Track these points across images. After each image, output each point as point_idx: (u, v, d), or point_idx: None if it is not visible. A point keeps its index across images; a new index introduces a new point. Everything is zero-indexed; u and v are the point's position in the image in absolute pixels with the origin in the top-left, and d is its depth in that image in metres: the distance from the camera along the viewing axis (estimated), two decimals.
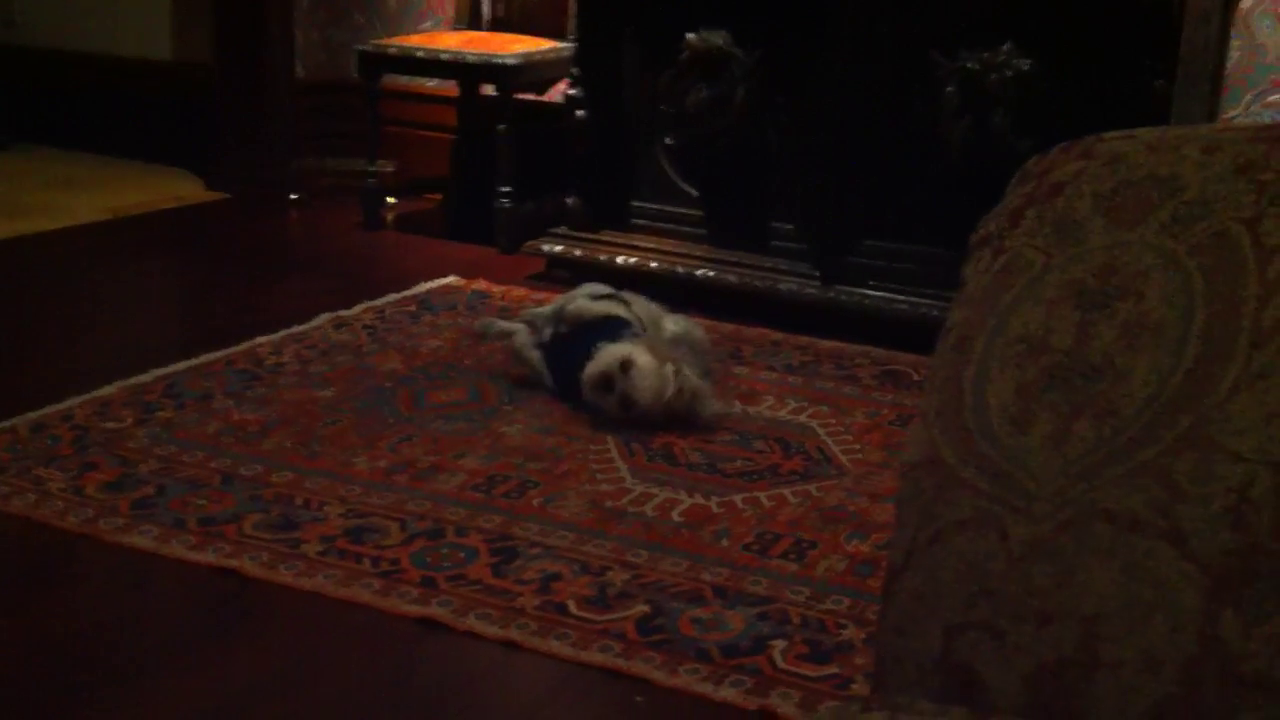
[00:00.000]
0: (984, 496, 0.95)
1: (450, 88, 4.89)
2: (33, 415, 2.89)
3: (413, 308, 3.73)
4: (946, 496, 0.97)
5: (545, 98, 4.68)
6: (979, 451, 0.97)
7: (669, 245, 3.94)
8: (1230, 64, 3.72)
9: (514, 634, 2.17)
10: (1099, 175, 1.03)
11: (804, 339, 3.58)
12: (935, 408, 1.01)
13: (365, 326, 3.56)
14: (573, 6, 4.43)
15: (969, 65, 3.48)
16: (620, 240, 4.00)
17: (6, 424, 2.84)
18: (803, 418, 3.08)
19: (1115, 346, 0.95)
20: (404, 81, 4.93)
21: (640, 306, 3.19)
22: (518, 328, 3.23)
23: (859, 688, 2.05)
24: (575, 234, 4.05)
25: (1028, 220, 1.04)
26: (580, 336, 3.04)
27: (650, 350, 2.94)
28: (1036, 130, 3.42)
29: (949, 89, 3.51)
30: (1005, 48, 3.45)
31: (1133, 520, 0.91)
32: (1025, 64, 3.44)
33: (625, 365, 2.90)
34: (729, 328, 3.65)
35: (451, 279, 4.00)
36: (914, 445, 1.02)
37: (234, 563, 2.35)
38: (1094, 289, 0.98)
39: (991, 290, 1.02)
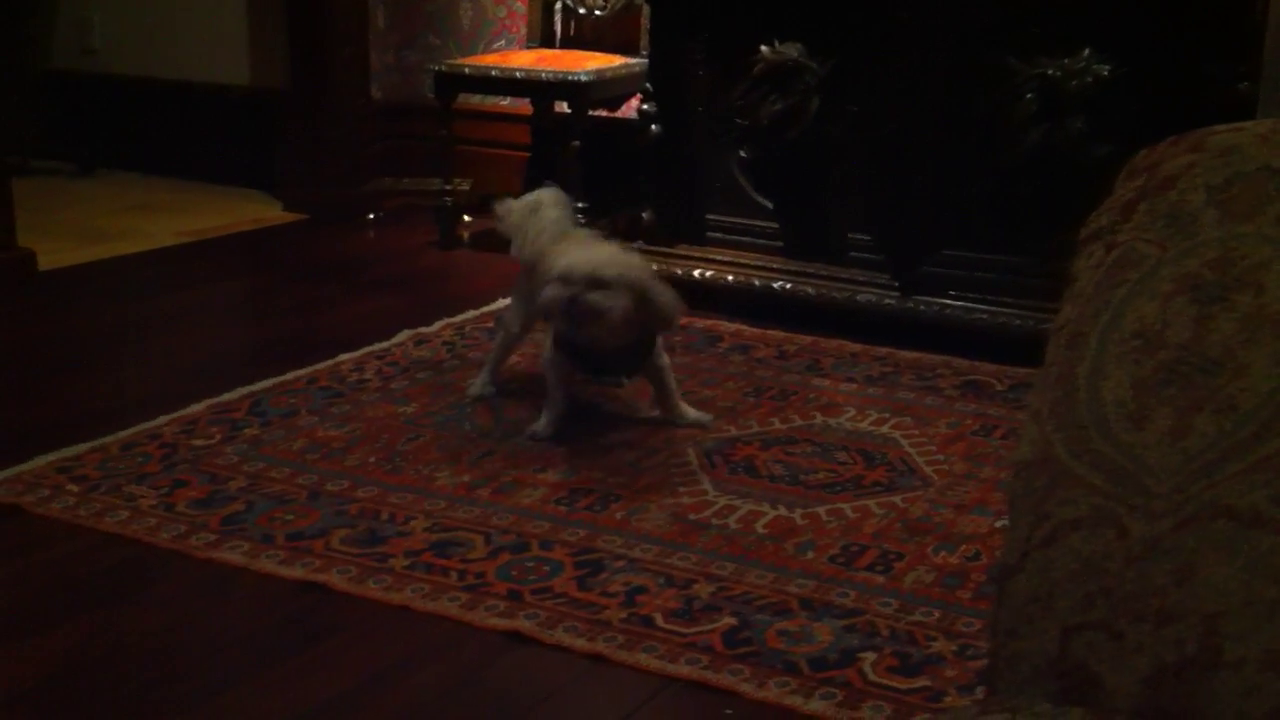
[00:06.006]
0: (1100, 494, 0.94)
1: (524, 106, 4.93)
2: (123, 434, 2.93)
3: (491, 324, 3.74)
4: (1060, 494, 0.96)
5: (618, 114, 4.70)
6: (1094, 448, 0.95)
7: (745, 258, 3.93)
8: None
9: (601, 647, 2.16)
10: (1211, 167, 1.01)
11: (883, 350, 3.55)
12: (1048, 405, 0.99)
13: (445, 343, 3.58)
14: (645, 22, 4.46)
15: (1048, 71, 3.44)
16: (696, 254, 3.99)
17: (97, 443, 2.88)
18: (885, 429, 3.05)
19: (1235, 340, 0.93)
20: (478, 100, 4.97)
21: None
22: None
23: (951, 700, 2.02)
24: (651, 248, 4.04)
25: (1139, 214, 1.02)
26: None
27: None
28: (1117, 137, 3.38)
29: (1027, 95, 3.47)
30: (1085, 53, 3.41)
31: (1255, 516, 0.89)
32: (1105, 69, 3.40)
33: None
34: (807, 339, 3.63)
35: None
36: (1025, 443, 1.01)
37: (322, 577, 2.37)
38: (1210, 282, 0.96)
39: (1104, 285, 1.00)
